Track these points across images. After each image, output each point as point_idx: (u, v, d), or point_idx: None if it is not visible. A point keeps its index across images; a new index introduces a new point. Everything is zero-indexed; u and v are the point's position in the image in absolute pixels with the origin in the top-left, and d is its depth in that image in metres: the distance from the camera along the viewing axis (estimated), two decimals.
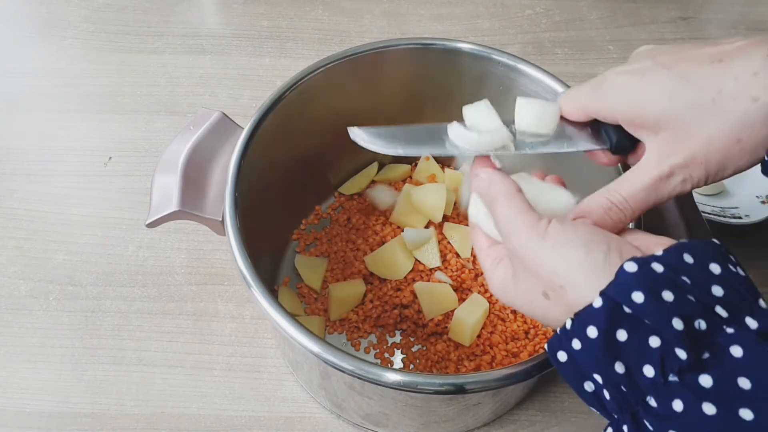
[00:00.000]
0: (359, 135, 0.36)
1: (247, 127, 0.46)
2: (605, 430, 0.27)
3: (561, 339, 0.27)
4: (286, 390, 0.52)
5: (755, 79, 0.27)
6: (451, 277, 0.56)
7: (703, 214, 0.46)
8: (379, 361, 0.53)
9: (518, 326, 0.54)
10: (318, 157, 0.56)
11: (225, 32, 0.76)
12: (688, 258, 0.26)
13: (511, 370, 0.37)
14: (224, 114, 0.46)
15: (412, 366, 0.52)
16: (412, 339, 0.54)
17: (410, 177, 0.63)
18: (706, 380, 0.23)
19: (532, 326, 0.54)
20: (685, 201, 0.44)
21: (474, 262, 0.57)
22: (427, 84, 0.55)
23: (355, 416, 0.49)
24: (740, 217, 0.59)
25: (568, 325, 0.27)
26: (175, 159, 0.43)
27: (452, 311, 0.54)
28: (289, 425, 0.51)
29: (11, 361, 0.53)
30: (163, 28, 0.76)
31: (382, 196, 0.59)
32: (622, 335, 0.25)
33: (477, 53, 0.51)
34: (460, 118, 0.37)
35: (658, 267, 0.25)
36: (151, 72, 0.72)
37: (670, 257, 0.26)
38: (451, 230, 0.58)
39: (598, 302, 0.26)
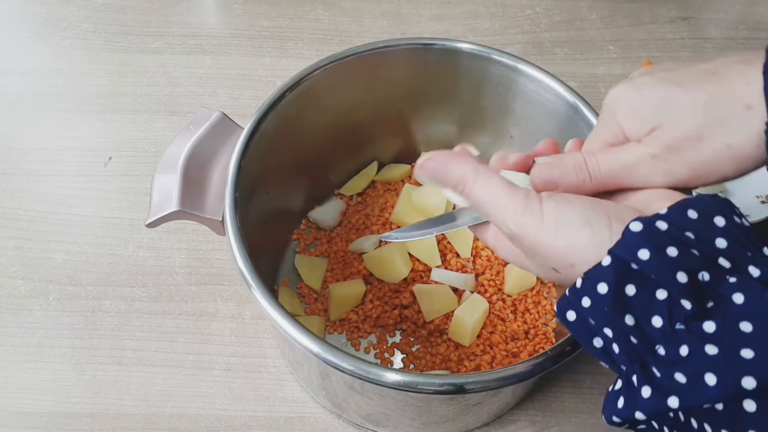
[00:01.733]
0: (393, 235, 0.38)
1: (247, 127, 0.46)
2: (614, 384, 0.28)
3: (570, 299, 0.28)
4: (286, 390, 0.52)
5: (749, 89, 0.28)
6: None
7: None
8: (379, 361, 0.53)
9: (518, 326, 0.54)
10: (318, 157, 0.56)
11: (225, 32, 0.76)
12: (692, 213, 0.27)
13: (511, 370, 0.37)
14: (224, 114, 0.46)
15: (412, 366, 0.52)
16: (412, 339, 0.54)
17: (410, 177, 0.63)
18: (709, 326, 0.25)
19: (532, 326, 0.54)
20: None
21: (474, 262, 0.57)
22: (427, 84, 0.55)
23: (355, 416, 0.49)
24: None
25: (578, 284, 0.28)
26: (175, 159, 0.43)
27: (452, 311, 0.54)
28: (289, 425, 0.51)
29: (11, 361, 0.53)
30: (163, 28, 0.76)
31: (324, 217, 0.59)
32: (630, 290, 0.26)
33: (477, 53, 0.51)
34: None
35: (662, 225, 0.26)
36: (151, 72, 0.72)
37: (674, 214, 0.27)
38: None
39: (606, 260, 0.27)
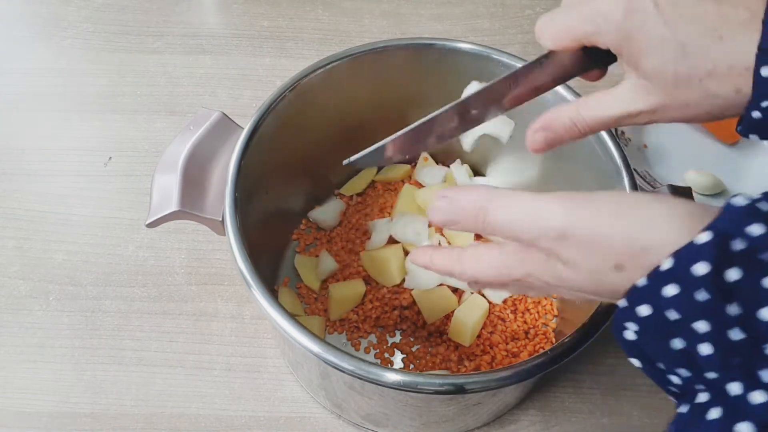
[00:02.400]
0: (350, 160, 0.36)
1: (247, 127, 0.46)
2: (684, 404, 0.24)
3: (645, 292, 0.24)
4: (286, 390, 0.52)
5: (745, 73, 0.28)
6: None
7: None
8: (379, 361, 0.53)
9: (518, 326, 0.54)
10: (318, 157, 0.56)
11: (225, 32, 0.76)
12: None
13: (511, 370, 0.37)
14: (224, 114, 0.46)
15: (412, 366, 0.52)
16: (412, 339, 0.54)
17: (410, 177, 0.63)
18: None
19: (531, 326, 0.54)
20: None
21: None
22: (427, 84, 0.55)
23: (355, 416, 0.49)
24: None
25: (667, 265, 0.23)
26: (175, 159, 0.43)
27: (452, 312, 0.54)
28: (289, 425, 0.51)
29: (11, 361, 0.53)
30: (163, 28, 0.76)
31: (324, 217, 0.59)
32: (734, 274, 0.22)
33: (477, 53, 0.51)
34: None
35: (765, 206, 0.23)
36: (150, 72, 0.72)
37: None
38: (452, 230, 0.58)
39: (704, 237, 0.22)
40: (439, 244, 0.57)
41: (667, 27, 0.29)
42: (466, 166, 0.61)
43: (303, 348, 0.37)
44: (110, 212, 0.61)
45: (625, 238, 0.25)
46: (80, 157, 0.65)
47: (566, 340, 0.38)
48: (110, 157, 0.65)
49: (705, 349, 0.23)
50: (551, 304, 0.56)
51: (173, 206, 0.41)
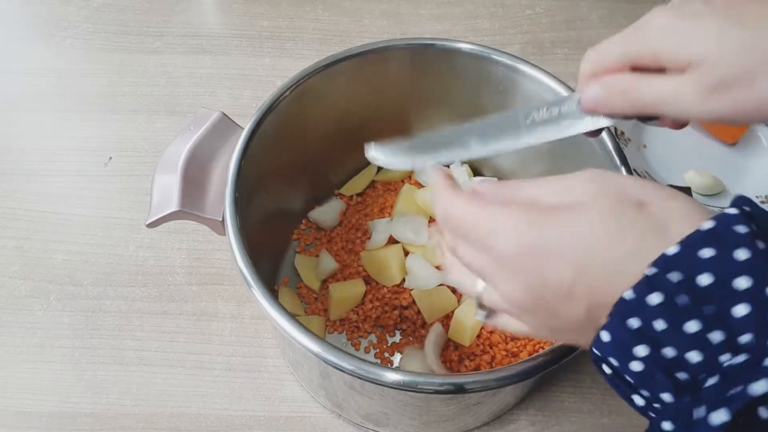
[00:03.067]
0: (376, 155, 0.36)
1: (247, 127, 0.46)
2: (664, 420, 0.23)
3: (636, 297, 0.24)
4: (286, 390, 0.52)
5: None
6: None
7: None
8: (379, 360, 0.53)
9: None
10: (318, 157, 0.56)
11: (225, 32, 0.76)
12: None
13: (511, 370, 0.37)
14: (224, 114, 0.46)
15: None
16: (411, 339, 0.54)
17: (410, 177, 0.63)
18: None
19: None
20: None
21: None
22: (427, 84, 0.55)
23: (355, 416, 0.49)
24: None
25: (674, 251, 0.23)
26: (175, 159, 0.43)
27: (452, 312, 0.54)
28: (289, 425, 0.51)
29: (11, 361, 0.53)
30: (163, 28, 0.76)
31: (324, 217, 0.59)
32: (743, 254, 0.22)
33: (477, 53, 0.51)
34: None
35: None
36: (150, 72, 0.72)
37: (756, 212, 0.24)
38: None
39: (708, 224, 0.23)
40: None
41: (714, 10, 0.29)
42: (466, 166, 0.61)
43: (303, 348, 0.37)
44: (110, 212, 0.61)
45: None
46: (80, 157, 0.65)
47: None
48: (110, 157, 0.65)
49: (693, 356, 0.23)
50: None
51: (173, 206, 0.41)
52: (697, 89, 0.29)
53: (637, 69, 0.32)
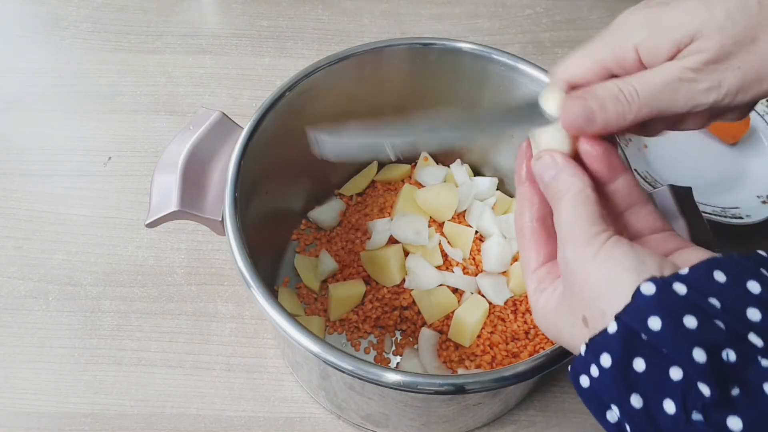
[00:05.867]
0: (320, 142, 0.34)
1: (247, 127, 0.46)
2: None
3: (581, 364, 0.25)
4: (286, 390, 0.52)
5: None
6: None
7: (703, 214, 0.46)
8: (378, 361, 0.53)
9: (518, 326, 0.54)
10: (318, 157, 0.56)
11: (225, 32, 0.76)
12: (719, 276, 0.23)
13: (511, 370, 0.37)
14: (224, 114, 0.46)
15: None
16: (411, 339, 0.54)
17: (410, 177, 0.63)
18: (734, 423, 0.20)
19: (532, 326, 0.54)
20: (685, 200, 0.44)
21: (475, 263, 0.57)
22: (427, 84, 0.55)
23: (355, 416, 0.49)
24: (741, 217, 0.59)
25: (583, 352, 0.25)
26: (175, 159, 0.43)
27: (452, 312, 0.54)
28: (289, 425, 0.51)
29: (11, 361, 0.53)
30: (163, 27, 0.76)
31: (324, 217, 0.59)
32: (639, 365, 0.23)
33: (477, 53, 0.51)
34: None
35: (680, 288, 0.23)
36: (150, 72, 0.72)
37: (696, 276, 0.23)
38: (452, 230, 0.58)
39: (612, 327, 0.23)
40: (440, 244, 0.57)
41: None
42: (466, 165, 0.61)
43: (303, 348, 0.37)
44: (110, 212, 0.61)
45: (591, 293, 0.25)
46: (80, 157, 0.65)
47: None
48: (110, 157, 0.65)
49: (627, 428, 0.24)
50: None
51: (173, 206, 0.41)
52: (697, 66, 0.27)
53: (615, 77, 0.29)
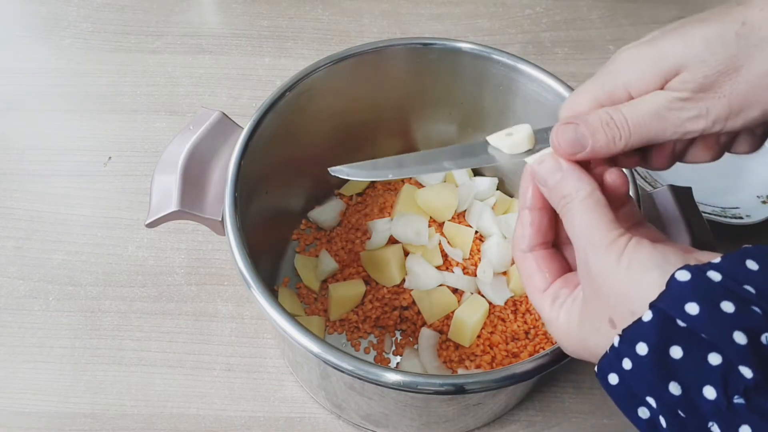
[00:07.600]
0: (340, 169, 0.36)
1: (247, 127, 0.46)
2: None
3: (611, 360, 0.25)
4: (286, 390, 0.52)
5: None
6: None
7: (703, 214, 0.46)
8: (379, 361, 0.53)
9: (518, 326, 0.54)
10: (318, 157, 0.56)
11: (225, 32, 0.76)
12: (751, 264, 0.23)
13: (511, 370, 0.37)
14: (224, 114, 0.46)
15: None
16: (411, 339, 0.54)
17: (410, 177, 0.62)
18: None
19: (532, 326, 0.54)
20: (685, 200, 0.44)
21: (475, 263, 0.57)
22: (427, 84, 0.55)
23: (355, 416, 0.49)
24: (741, 217, 0.59)
25: (616, 343, 0.24)
26: (175, 159, 0.43)
27: (452, 312, 0.54)
28: (289, 425, 0.51)
29: (11, 361, 0.53)
30: (163, 27, 0.76)
31: (324, 217, 0.59)
32: (676, 352, 0.23)
33: (477, 53, 0.51)
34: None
35: (715, 275, 0.23)
36: (150, 72, 0.72)
37: (729, 264, 0.23)
38: (452, 230, 0.58)
39: (647, 315, 0.23)
40: (440, 244, 0.57)
41: (672, 29, 0.28)
42: None
43: (303, 348, 0.37)
44: (110, 212, 0.61)
45: (618, 295, 0.26)
46: (80, 157, 0.65)
47: None
48: (110, 157, 0.65)
49: (662, 421, 0.24)
50: None
51: (173, 206, 0.41)
52: (684, 96, 0.28)
53: None
